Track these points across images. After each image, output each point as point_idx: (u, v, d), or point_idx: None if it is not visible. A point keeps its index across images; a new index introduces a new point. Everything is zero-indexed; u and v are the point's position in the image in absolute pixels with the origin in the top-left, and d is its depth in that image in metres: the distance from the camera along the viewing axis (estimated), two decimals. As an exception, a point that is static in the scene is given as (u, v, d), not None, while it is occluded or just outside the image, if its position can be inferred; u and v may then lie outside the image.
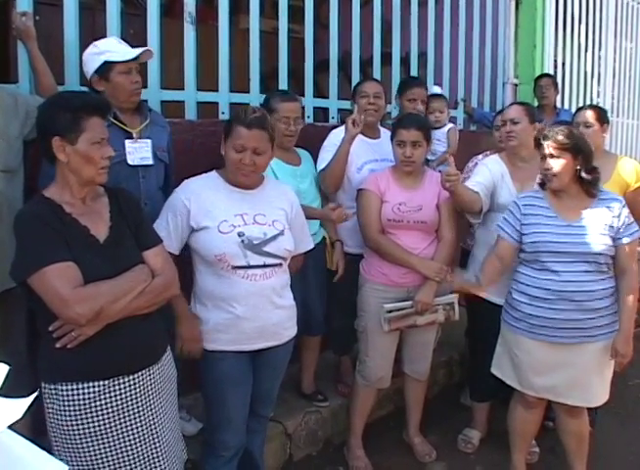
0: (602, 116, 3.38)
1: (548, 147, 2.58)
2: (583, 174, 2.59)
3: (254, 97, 3.49)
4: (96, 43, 2.56)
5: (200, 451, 2.55)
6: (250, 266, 2.25)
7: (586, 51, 6.21)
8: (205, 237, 2.26)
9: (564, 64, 5.92)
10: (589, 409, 2.85)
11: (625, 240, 2.60)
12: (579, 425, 2.83)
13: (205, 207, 2.28)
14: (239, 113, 2.32)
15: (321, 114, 3.99)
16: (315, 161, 3.17)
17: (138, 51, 2.55)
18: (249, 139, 2.25)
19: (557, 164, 2.57)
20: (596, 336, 2.61)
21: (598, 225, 2.59)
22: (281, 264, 2.35)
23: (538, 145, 2.66)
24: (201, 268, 2.32)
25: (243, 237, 2.24)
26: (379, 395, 3.23)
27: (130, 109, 2.58)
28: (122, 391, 1.88)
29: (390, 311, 2.91)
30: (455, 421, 3.54)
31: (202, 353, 2.31)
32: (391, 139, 2.98)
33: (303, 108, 3.15)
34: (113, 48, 2.51)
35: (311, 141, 3.18)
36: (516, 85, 5.48)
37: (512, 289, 2.76)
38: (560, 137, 2.57)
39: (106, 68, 2.48)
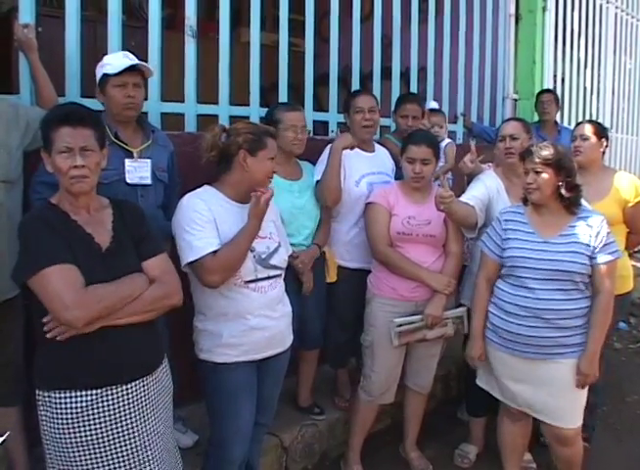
0: (600, 130, 3.38)
1: (532, 162, 2.60)
2: (563, 191, 2.59)
3: (254, 110, 3.51)
4: (106, 56, 2.58)
5: (196, 464, 2.54)
6: (258, 279, 2.32)
7: (585, 67, 6.25)
8: None
9: (563, 79, 5.96)
10: (584, 425, 2.82)
11: (602, 259, 2.57)
12: (570, 453, 2.79)
13: (216, 222, 2.27)
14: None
15: (321, 127, 4.01)
16: None
17: (126, 64, 2.46)
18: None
19: (539, 179, 2.59)
20: (565, 354, 2.60)
21: (574, 244, 2.58)
22: (281, 275, 2.44)
23: (522, 159, 2.68)
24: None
25: (254, 253, 2.31)
26: (378, 409, 3.22)
27: (131, 126, 2.57)
28: (115, 400, 1.88)
29: (401, 325, 2.91)
30: (452, 436, 3.53)
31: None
32: (401, 154, 2.99)
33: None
34: (112, 61, 2.49)
35: (311, 154, 3.18)
36: (515, 100, 5.52)
37: (489, 302, 2.78)
38: (544, 153, 2.59)
39: (104, 80, 2.49)
